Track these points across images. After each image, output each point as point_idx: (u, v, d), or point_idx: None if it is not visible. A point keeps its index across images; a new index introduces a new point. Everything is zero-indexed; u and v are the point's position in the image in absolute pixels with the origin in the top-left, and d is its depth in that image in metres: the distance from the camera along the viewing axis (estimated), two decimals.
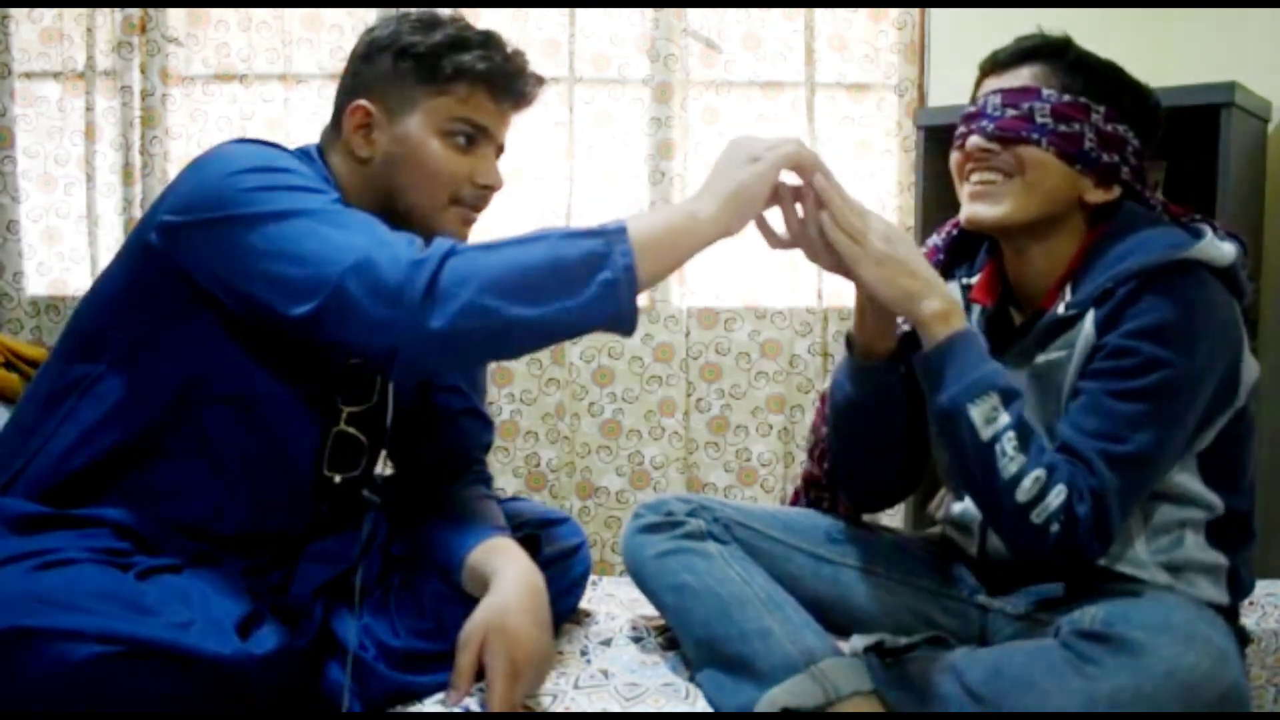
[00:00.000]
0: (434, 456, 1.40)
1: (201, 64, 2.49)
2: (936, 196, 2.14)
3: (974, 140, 1.21)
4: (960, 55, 2.40)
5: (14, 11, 2.45)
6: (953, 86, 2.34)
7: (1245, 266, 1.18)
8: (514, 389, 2.51)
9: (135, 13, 2.42)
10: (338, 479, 1.27)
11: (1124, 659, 0.99)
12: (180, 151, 2.47)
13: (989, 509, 1.14)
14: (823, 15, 2.42)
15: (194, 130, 2.49)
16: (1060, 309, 1.17)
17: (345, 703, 1.14)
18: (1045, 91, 1.19)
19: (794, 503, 1.48)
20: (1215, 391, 1.14)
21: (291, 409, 1.21)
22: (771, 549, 1.31)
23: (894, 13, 2.41)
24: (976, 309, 1.30)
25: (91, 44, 2.41)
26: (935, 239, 1.38)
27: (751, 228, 1.15)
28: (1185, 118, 1.97)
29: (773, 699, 1.10)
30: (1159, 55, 2.27)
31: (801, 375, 2.46)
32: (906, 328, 1.26)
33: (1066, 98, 1.18)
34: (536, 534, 1.32)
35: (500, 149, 1.29)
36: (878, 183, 2.45)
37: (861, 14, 2.43)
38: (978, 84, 1.27)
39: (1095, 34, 2.26)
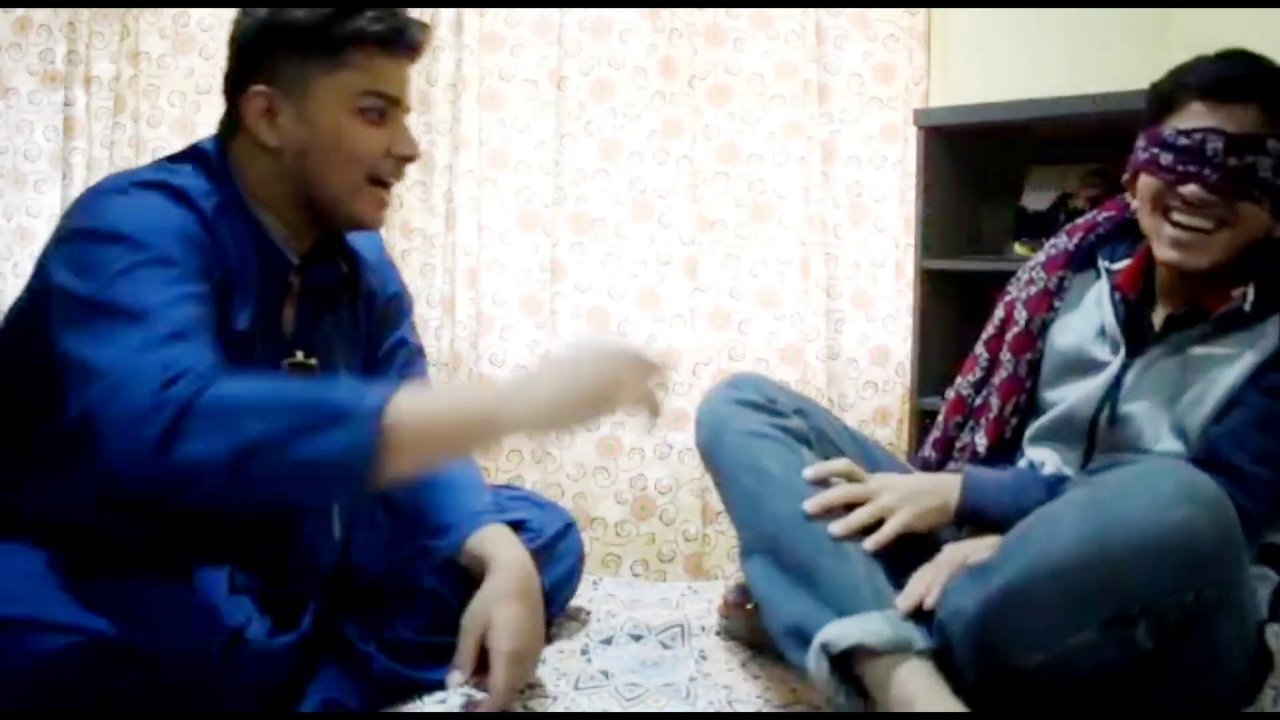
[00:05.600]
0: None
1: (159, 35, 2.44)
2: (939, 200, 2.18)
3: (1193, 190, 1.21)
4: (963, 56, 2.47)
5: None
6: (956, 84, 2.37)
7: None
8: None
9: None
10: None
11: (1128, 467, 1.06)
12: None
13: None
14: None
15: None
16: (1246, 306, 1.22)
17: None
18: (1270, 144, 1.19)
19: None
20: None
21: None
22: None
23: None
24: (1117, 296, 1.35)
25: (74, 38, 2.41)
26: (1065, 240, 1.43)
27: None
28: None
29: (844, 630, 1.11)
30: (1159, 56, 2.33)
31: (812, 385, 2.33)
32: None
33: None
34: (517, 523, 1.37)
35: (408, 110, 1.29)
36: (904, 169, 2.34)
37: None
38: (1183, 100, 1.25)
39: (1096, 35, 2.33)
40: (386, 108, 1.23)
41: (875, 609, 1.13)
